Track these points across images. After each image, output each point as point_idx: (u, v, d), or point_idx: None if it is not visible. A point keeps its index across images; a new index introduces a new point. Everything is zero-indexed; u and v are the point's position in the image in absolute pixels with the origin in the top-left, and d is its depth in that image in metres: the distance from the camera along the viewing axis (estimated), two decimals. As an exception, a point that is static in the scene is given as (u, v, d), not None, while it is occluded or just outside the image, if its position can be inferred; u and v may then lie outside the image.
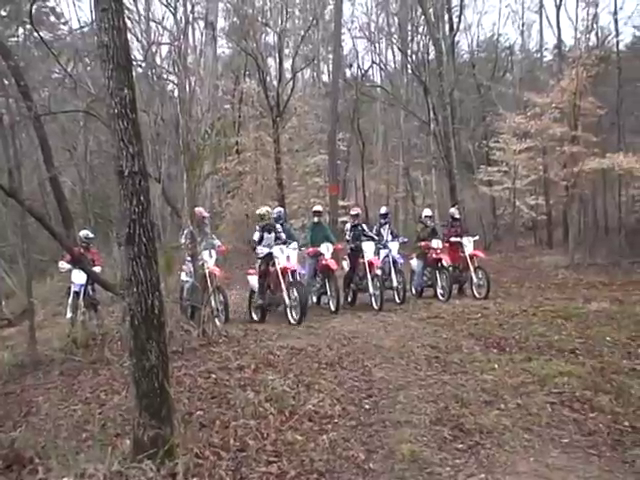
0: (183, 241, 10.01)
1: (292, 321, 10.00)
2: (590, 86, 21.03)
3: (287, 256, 10.54)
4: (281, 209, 12.99)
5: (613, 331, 8.01)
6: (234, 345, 7.38)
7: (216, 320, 9.50)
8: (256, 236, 10.89)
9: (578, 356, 6.73)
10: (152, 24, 22.23)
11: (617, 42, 24.56)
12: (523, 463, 3.92)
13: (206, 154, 8.52)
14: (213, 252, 10.45)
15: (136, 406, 3.69)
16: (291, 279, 10.42)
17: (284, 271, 10.37)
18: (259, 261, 10.89)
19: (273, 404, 4.88)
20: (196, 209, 11.09)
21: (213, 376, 5.80)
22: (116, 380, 5.99)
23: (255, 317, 11.04)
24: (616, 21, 24.72)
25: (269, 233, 10.95)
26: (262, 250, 10.62)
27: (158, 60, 25.37)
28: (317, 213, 12.68)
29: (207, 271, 9.91)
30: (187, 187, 8.14)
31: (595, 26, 23.62)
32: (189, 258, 9.95)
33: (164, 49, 25.90)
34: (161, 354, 3.72)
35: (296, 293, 10.06)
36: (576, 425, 4.57)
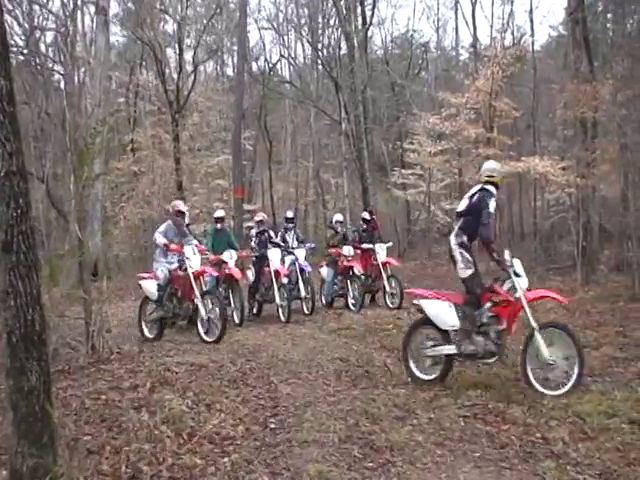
0: (163, 241, 9.44)
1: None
2: (506, 86, 21.79)
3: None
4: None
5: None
6: (127, 362, 7.20)
7: (201, 331, 9.11)
8: None
9: (492, 366, 6.99)
10: (36, 7, 21.55)
11: (532, 42, 25.90)
12: None
13: (96, 152, 8.30)
14: (196, 250, 9.57)
15: (13, 433, 3.55)
16: None
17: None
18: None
19: (170, 426, 4.81)
20: (173, 202, 10.55)
21: (103, 397, 5.63)
22: (-9, 405, 5.74)
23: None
24: (532, 20, 26.36)
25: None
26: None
27: (42, 47, 24.69)
28: (219, 220, 12.26)
29: (191, 272, 9.23)
30: (75, 189, 7.89)
31: (511, 25, 24.80)
32: (162, 260, 9.50)
33: (49, 35, 25.20)
34: (42, 374, 3.60)
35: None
36: (488, 438, 4.73)
